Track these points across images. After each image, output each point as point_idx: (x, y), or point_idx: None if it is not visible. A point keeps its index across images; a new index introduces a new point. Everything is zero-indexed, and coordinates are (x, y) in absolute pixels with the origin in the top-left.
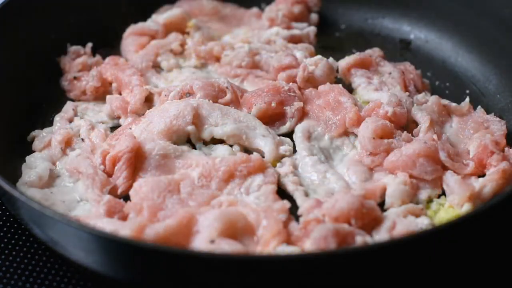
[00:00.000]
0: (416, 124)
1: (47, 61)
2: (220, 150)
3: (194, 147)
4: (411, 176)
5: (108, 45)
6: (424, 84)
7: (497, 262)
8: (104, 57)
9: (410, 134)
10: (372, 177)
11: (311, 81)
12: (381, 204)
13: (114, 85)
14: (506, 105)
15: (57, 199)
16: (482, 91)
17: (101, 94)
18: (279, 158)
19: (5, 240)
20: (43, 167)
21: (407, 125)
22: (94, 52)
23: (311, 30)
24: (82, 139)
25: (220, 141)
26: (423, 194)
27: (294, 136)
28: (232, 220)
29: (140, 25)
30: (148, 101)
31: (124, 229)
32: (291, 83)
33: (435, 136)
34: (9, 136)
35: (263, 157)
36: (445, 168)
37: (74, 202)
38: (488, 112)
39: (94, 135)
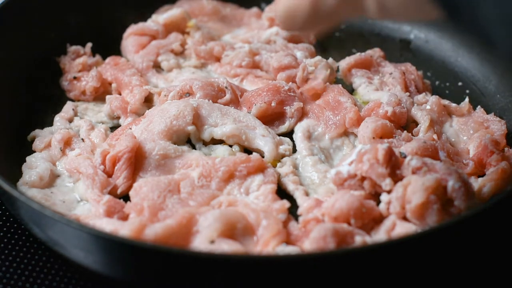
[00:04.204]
0: (416, 124)
1: (47, 61)
2: (220, 150)
3: (194, 147)
4: None
5: (108, 45)
6: (425, 85)
7: (497, 262)
8: (104, 57)
9: (410, 134)
10: None
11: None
12: None
13: (114, 85)
14: (506, 105)
15: (57, 199)
16: (482, 91)
17: (101, 94)
18: (279, 158)
19: (5, 240)
20: (44, 167)
21: (407, 125)
22: (94, 52)
23: None
24: (82, 139)
25: (220, 141)
26: None
27: (294, 136)
28: (232, 220)
29: (140, 25)
30: (148, 101)
31: (123, 229)
32: (290, 83)
33: (435, 136)
34: (9, 136)
35: (263, 157)
36: None
37: (74, 202)
38: (488, 112)
39: (94, 135)
